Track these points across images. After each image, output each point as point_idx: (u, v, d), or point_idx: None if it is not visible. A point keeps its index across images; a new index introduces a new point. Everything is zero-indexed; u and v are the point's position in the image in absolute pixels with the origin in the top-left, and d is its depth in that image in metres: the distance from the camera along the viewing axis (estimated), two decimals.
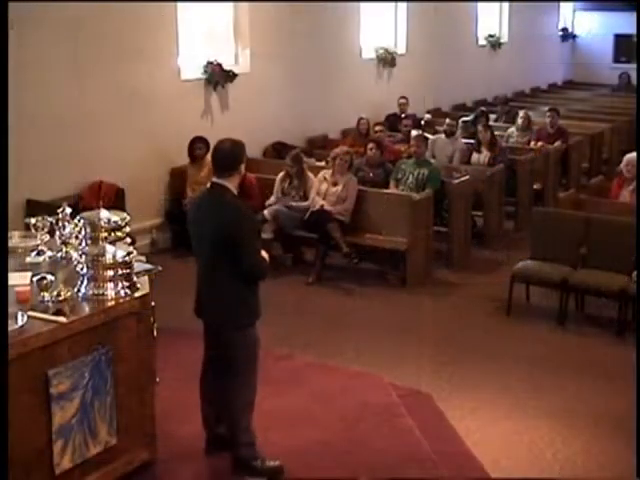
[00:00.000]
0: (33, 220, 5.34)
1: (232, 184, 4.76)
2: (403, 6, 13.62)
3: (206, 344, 5.02)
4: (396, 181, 8.90)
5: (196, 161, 9.23)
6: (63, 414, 4.28)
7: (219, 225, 4.63)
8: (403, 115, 12.23)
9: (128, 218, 4.78)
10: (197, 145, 9.20)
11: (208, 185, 4.87)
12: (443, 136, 10.60)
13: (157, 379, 4.87)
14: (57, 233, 5.23)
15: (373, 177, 9.00)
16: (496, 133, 10.79)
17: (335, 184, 8.56)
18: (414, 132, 10.55)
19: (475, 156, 10.19)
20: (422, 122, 12.27)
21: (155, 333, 4.82)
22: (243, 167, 4.84)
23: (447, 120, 10.88)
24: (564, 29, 20.12)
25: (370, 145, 9.11)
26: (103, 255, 4.51)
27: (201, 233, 4.76)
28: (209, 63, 9.79)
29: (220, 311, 4.76)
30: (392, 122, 12.09)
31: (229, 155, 4.78)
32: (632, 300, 6.97)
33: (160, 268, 5.06)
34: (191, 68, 9.70)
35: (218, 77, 9.84)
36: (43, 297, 4.38)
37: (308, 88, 11.35)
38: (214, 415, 5.07)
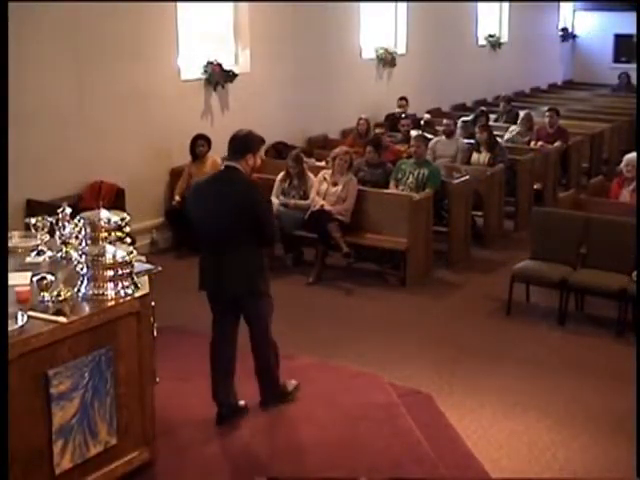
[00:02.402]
0: (33, 220, 5.35)
1: (242, 167, 5.12)
2: (403, 6, 13.63)
3: (221, 317, 5.33)
4: (396, 181, 8.89)
5: (198, 159, 9.25)
6: (63, 414, 4.28)
7: (238, 199, 5.01)
8: (403, 115, 12.22)
9: (128, 218, 4.79)
10: (199, 142, 9.23)
11: (222, 167, 5.31)
12: (443, 137, 10.58)
13: (157, 379, 4.88)
14: (57, 233, 5.23)
15: (373, 177, 9.00)
16: (496, 133, 10.79)
17: (335, 184, 8.56)
18: (414, 132, 10.55)
19: (475, 156, 10.19)
20: (422, 122, 12.27)
21: (155, 333, 4.82)
22: (252, 157, 5.18)
23: (444, 120, 10.88)
24: (564, 29, 20.11)
25: (368, 148, 9.10)
26: (103, 255, 4.51)
27: (215, 211, 5.06)
28: (209, 63, 9.80)
29: (243, 282, 5.13)
30: (392, 122, 12.08)
31: (241, 140, 5.21)
32: (632, 300, 6.97)
33: (160, 268, 5.07)
34: (191, 68, 9.70)
35: (218, 77, 9.84)
36: (43, 297, 4.38)
37: (308, 88, 11.35)
38: (228, 386, 5.34)
